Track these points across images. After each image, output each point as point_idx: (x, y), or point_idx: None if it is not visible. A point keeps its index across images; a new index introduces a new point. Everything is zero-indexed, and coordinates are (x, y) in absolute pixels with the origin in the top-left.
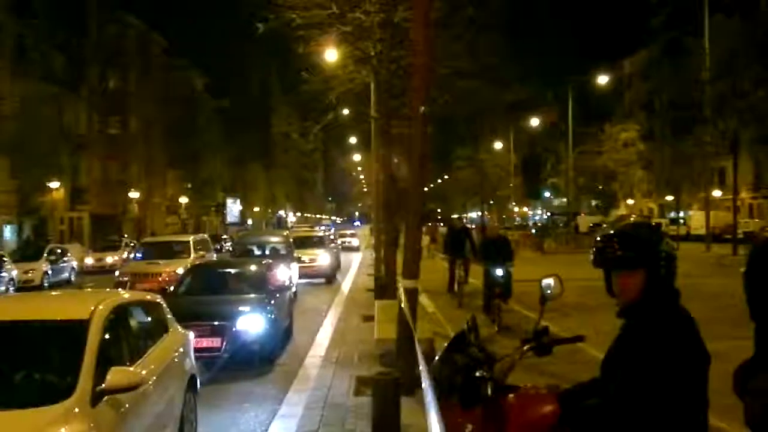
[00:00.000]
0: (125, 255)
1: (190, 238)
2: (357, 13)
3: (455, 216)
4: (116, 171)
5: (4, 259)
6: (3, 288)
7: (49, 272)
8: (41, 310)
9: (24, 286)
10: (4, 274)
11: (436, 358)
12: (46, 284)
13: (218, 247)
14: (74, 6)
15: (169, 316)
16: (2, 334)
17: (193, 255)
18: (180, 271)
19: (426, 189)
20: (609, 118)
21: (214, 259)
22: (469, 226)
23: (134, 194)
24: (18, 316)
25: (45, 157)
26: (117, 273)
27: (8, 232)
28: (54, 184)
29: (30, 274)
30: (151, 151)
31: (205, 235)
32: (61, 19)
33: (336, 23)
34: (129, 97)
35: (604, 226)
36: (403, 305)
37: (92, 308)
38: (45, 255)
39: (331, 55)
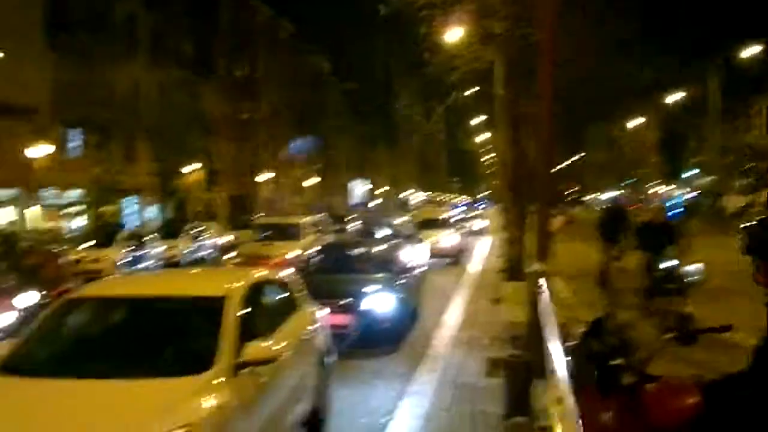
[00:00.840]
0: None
1: (303, 220)
2: None
3: (610, 194)
4: (248, 153)
5: (147, 237)
6: (148, 264)
7: (189, 249)
8: (180, 285)
9: (167, 263)
10: (148, 250)
11: (571, 343)
12: (186, 260)
13: (342, 227)
14: None
15: (302, 293)
16: (149, 308)
17: (305, 237)
18: (292, 253)
19: (556, 168)
20: (759, 93)
21: (329, 240)
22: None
23: (264, 176)
24: (163, 292)
25: (182, 142)
26: (229, 255)
27: (152, 212)
28: (190, 167)
29: (172, 251)
30: (281, 134)
31: (320, 216)
32: (191, 7)
33: (460, 1)
34: (258, 82)
35: (756, 208)
36: (532, 288)
37: (229, 284)
38: (185, 234)
39: (454, 34)
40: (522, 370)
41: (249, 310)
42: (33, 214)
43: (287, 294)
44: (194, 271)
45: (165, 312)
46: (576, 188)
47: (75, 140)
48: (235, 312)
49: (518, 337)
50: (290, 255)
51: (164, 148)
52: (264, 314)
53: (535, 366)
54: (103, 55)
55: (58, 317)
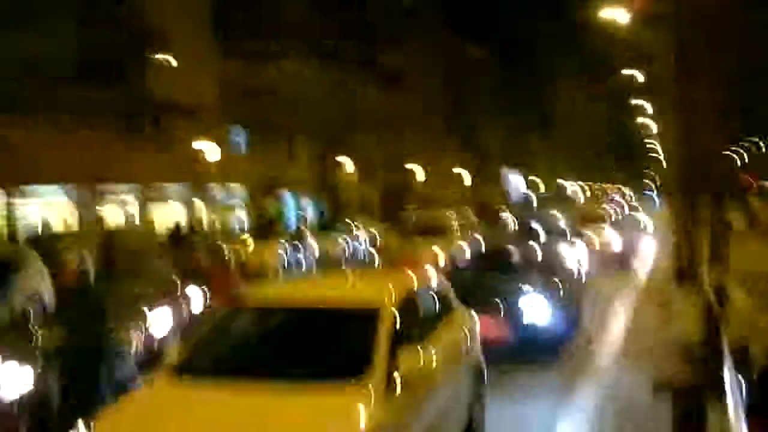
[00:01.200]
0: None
1: (452, 216)
2: None
3: None
4: (402, 145)
5: (306, 231)
6: (306, 259)
7: (344, 244)
8: (337, 293)
9: (323, 258)
10: (306, 245)
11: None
12: (341, 255)
13: (496, 221)
14: None
15: (456, 300)
16: (305, 316)
17: (454, 235)
18: (440, 253)
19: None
20: None
21: (478, 237)
22: None
23: (417, 167)
24: (316, 300)
25: (339, 136)
26: (373, 250)
27: (309, 206)
28: (346, 161)
29: (327, 247)
30: (434, 125)
31: (468, 211)
32: (351, 3)
33: None
34: (413, 73)
35: None
36: (707, 297)
37: (385, 292)
38: (340, 228)
39: (618, 16)
40: (693, 391)
41: (403, 318)
42: (200, 207)
43: (442, 301)
44: (349, 275)
45: (320, 320)
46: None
47: (239, 138)
48: (389, 321)
49: (690, 352)
50: (438, 255)
51: (322, 143)
52: (418, 323)
53: (709, 388)
54: (267, 56)
55: (222, 323)
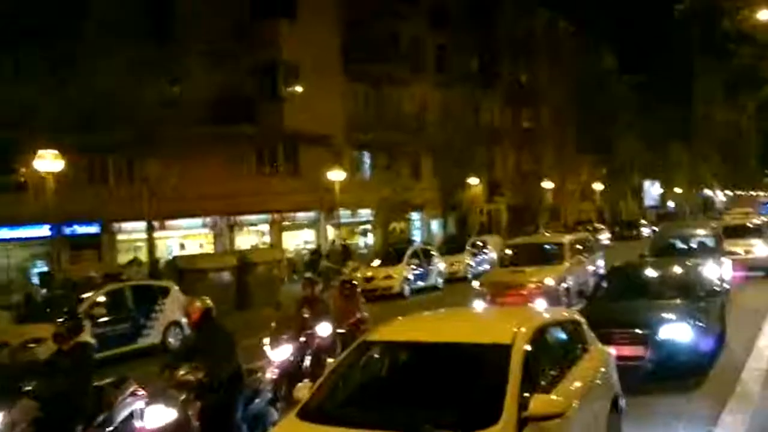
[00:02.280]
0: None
1: (566, 239)
2: None
3: None
4: (530, 161)
5: (432, 252)
6: (433, 281)
7: (472, 264)
8: (464, 331)
9: (450, 278)
10: (432, 267)
11: None
12: (469, 276)
13: (635, 233)
14: (483, 6)
15: (589, 333)
16: (435, 354)
17: (568, 260)
18: (550, 281)
19: None
20: None
21: (600, 261)
22: None
23: (548, 184)
24: (449, 338)
25: (464, 155)
26: (476, 283)
27: (435, 227)
28: (473, 180)
29: (455, 267)
30: (563, 138)
31: (588, 234)
32: (472, 21)
33: None
34: (540, 87)
35: None
36: None
37: (515, 330)
38: (467, 248)
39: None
40: None
41: (536, 357)
42: (331, 233)
43: (574, 335)
44: (480, 311)
45: (450, 358)
46: None
47: (365, 162)
48: (521, 360)
49: None
50: (548, 282)
51: (447, 163)
52: (551, 360)
53: None
54: (391, 79)
55: (353, 360)
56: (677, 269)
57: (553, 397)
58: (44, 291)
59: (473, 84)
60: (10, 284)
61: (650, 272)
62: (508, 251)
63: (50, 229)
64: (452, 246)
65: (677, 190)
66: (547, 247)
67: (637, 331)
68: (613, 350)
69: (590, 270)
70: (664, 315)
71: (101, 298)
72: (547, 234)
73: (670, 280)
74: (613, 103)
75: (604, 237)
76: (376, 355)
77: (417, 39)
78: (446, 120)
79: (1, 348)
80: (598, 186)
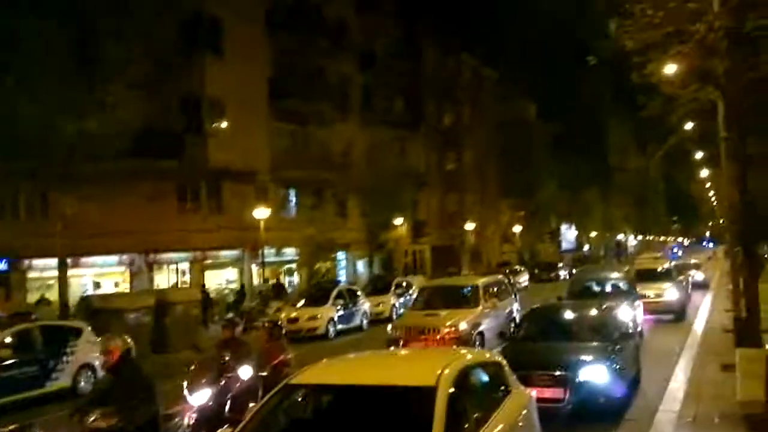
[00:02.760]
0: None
1: (480, 282)
2: (698, 26)
3: None
4: (453, 203)
5: (358, 293)
6: (358, 321)
7: (397, 305)
8: (389, 373)
9: (375, 319)
10: (358, 307)
11: None
12: (394, 317)
13: (553, 275)
14: (411, 50)
15: (511, 375)
16: (359, 396)
17: (482, 304)
18: (464, 325)
19: None
20: None
21: (515, 305)
22: None
23: (470, 225)
24: (373, 381)
25: (390, 196)
26: (389, 327)
27: (360, 267)
28: (398, 221)
29: (380, 307)
30: (486, 181)
31: (501, 277)
32: (400, 63)
33: (674, 42)
34: (463, 131)
35: None
36: None
37: (438, 372)
38: (392, 289)
39: (670, 75)
40: None
41: (460, 399)
42: (254, 272)
43: (497, 377)
44: (404, 353)
45: (375, 401)
46: None
47: (291, 201)
48: (445, 403)
49: (755, 419)
50: (462, 326)
51: (373, 203)
52: (475, 403)
53: None
54: (318, 118)
55: (276, 403)
56: (594, 311)
57: None
58: None
59: (398, 125)
60: None
61: (568, 314)
62: (422, 293)
63: None
64: (377, 286)
65: (592, 234)
66: (461, 289)
67: (557, 372)
68: (534, 392)
69: (505, 314)
70: (583, 357)
71: (8, 339)
72: (465, 275)
73: (587, 322)
74: (532, 149)
75: (524, 279)
76: (299, 399)
77: (344, 78)
78: (372, 160)
79: None
80: (517, 228)
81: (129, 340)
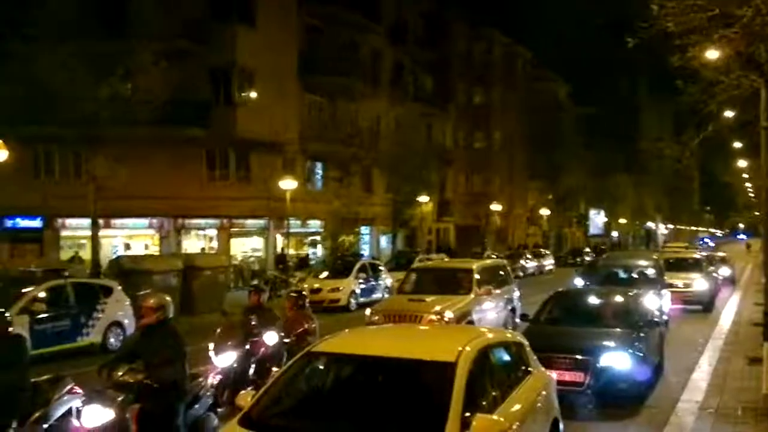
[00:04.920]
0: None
1: (474, 266)
2: (745, 10)
3: None
4: (480, 183)
5: (380, 267)
6: (379, 295)
7: None
8: (410, 347)
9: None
10: (380, 282)
11: None
12: None
13: (578, 260)
14: (442, 27)
15: (532, 356)
16: (377, 368)
17: (474, 291)
18: (450, 314)
19: None
20: None
21: (515, 293)
22: None
23: (496, 206)
24: (392, 353)
25: (416, 173)
26: (369, 311)
27: (384, 242)
28: (423, 198)
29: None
30: (514, 163)
31: (502, 261)
32: (430, 41)
33: (719, 26)
34: (493, 111)
35: None
36: None
37: (459, 349)
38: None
39: (712, 58)
40: None
41: (479, 377)
42: (279, 242)
43: (518, 357)
44: (425, 328)
45: (394, 374)
46: None
47: (318, 174)
48: (464, 379)
49: None
50: (448, 315)
51: (399, 179)
52: (494, 381)
53: None
54: (348, 92)
55: (297, 370)
56: (618, 298)
57: (495, 417)
58: None
59: (427, 102)
60: None
61: (592, 299)
62: (411, 276)
63: None
64: (400, 262)
65: (622, 221)
66: (453, 273)
67: (578, 357)
68: (554, 374)
69: (501, 303)
70: (605, 342)
71: (41, 294)
72: (492, 256)
73: (611, 308)
74: (563, 132)
75: (549, 263)
76: (320, 367)
77: (375, 53)
78: (400, 136)
79: None
80: (545, 212)
81: (168, 297)
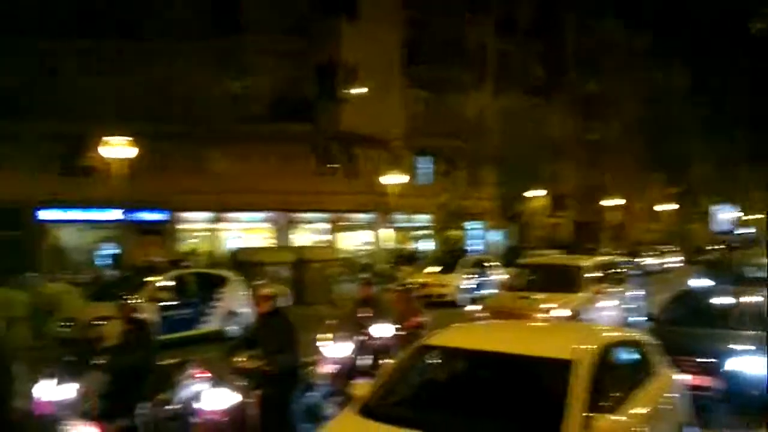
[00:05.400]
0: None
1: (586, 263)
2: None
3: None
4: (596, 177)
5: (489, 263)
6: (488, 291)
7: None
8: (528, 343)
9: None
10: (489, 277)
11: None
12: None
13: (702, 258)
14: (554, 15)
15: (658, 356)
16: (493, 364)
17: (586, 288)
18: (564, 312)
19: None
20: None
21: (633, 292)
22: None
23: (613, 201)
24: (508, 349)
25: (525, 167)
26: (476, 307)
27: (493, 237)
28: (533, 192)
29: (514, 282)
30: (632, 155)
31: (617, 258)
32: (541, 29)
33: None
34: (608, 101)
35: None
36: None
37: (580, 347)
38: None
39: None
40: None
41: (601, 375)
42: (385, 236)
43: (642, 357)
44: (543, 325)
45: (511, 370)
46: None
47: (424, 168)
48: (586, 378)
49: None
50: (557, 313)
51: (508, 173)
52: (616, 380)
53: None
54: (453, 85)
55: (412, 362)
56: (750, 298)
57: (618, 418)
58: (113, 272)
59: (536, 93)
60: (79, 264)
61: (721, 300)
62: (520, 272)
63: (123, 213)
64: (510, 258)
65: (756, 216)
66: (563, 270)
67: (704, 360)
68: (685, 378)
69: (616, 302)
70: (735, 345)
71: (167, 283)
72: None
73: (741, 309)
74: (685, 122)
75: (672, 260)
76: (434, 360)
77: (482, 45)
78: (507, 129)
79: (71, 324)
80: (666, 207)
81: (280, 289)
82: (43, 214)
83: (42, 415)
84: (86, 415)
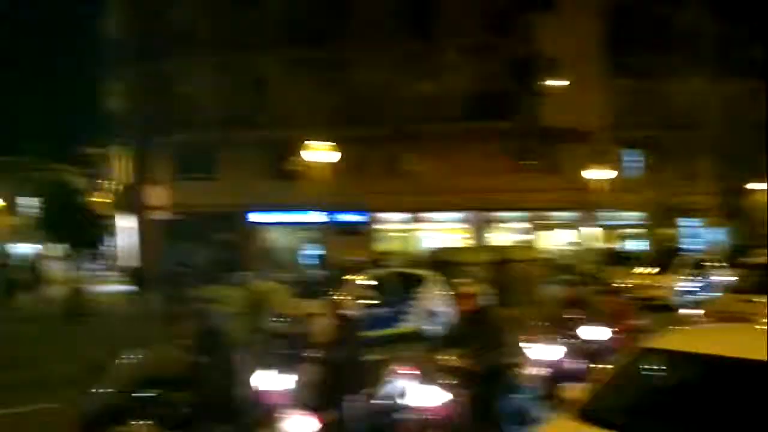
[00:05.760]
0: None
1: None
2: None
3: None
4: None
5: (709, 263)
6: (707, 294)
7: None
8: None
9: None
10: (710, 279)
11: None
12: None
13: None
14: None
15: None
16: (721, 371)
17: None
18: None
19: None
20: None
21: None
22: None
23: None
24: (743, 354)
25: (746, 158)
26: (696, 311)
27: (711, 235)
28: (758, 185)
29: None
30: None
31: None
32: (759, 8)
33: None
34: None
35: None
36: None
37: None
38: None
39: None
40: None
41: None
42: (590, 235)
43: None
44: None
45: (746, 378)
46: None
47: (632, 161)
48: None
49: None
50: None
51: (727, 164)
52: None
53: None
54: (662, 72)
55: (634, 366)
56: None
57: None
58: (319, 271)
59: (760, 77)
60: (285, 264)
61: None
62: (743, 273)
63: (327, 215)
64: (733, 258)
65: None
66: None
67: None
68: None
69: None
70: None
71: (369, 282)
72: None
73: None
74: None
75: None
76: (659, 365)
77: (693, 28)
78: (726, 117)
79: (284, 320)
80: None
81: (481, 288)
82: (253, 217)
83: (263, 403)
84: (303, 405)
